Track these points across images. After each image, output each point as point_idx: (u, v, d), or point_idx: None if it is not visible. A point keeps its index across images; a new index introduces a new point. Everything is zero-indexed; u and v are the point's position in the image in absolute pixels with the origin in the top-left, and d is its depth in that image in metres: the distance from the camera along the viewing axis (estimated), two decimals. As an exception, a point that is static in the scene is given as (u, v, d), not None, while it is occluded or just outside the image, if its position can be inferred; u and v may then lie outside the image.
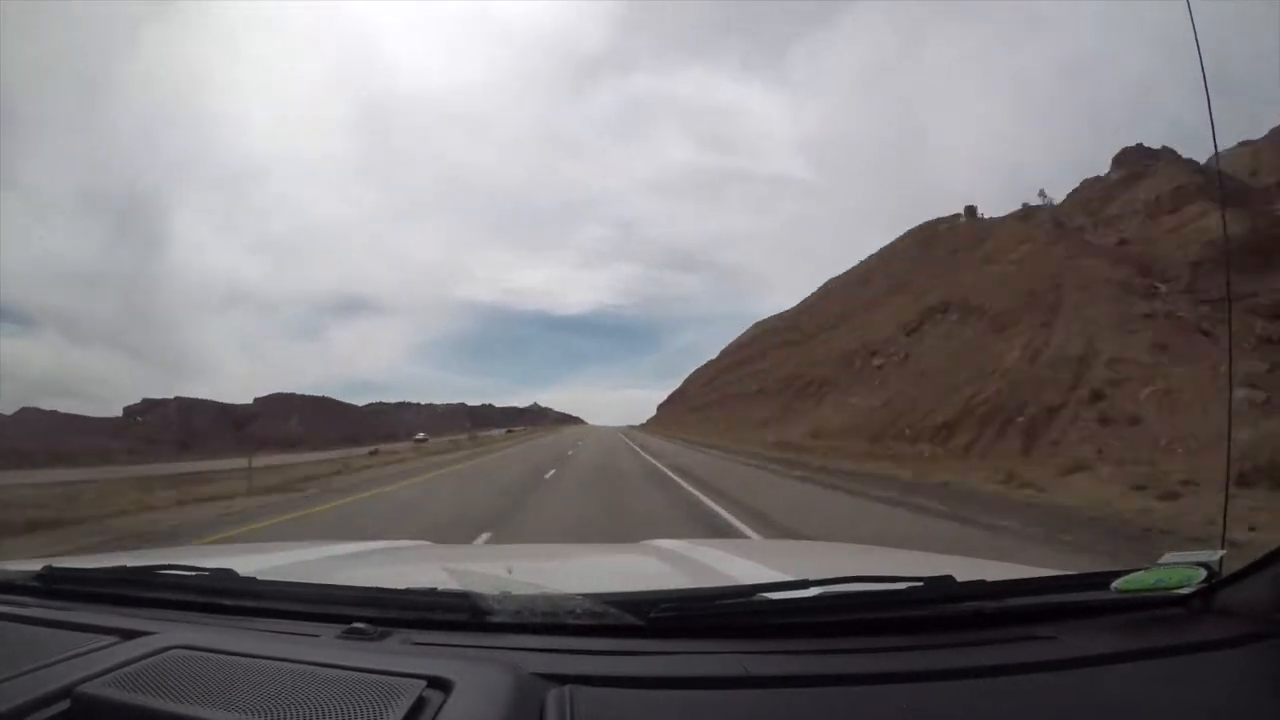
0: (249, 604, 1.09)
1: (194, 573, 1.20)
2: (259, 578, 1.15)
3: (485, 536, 6.93)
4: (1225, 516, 2.06)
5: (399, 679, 0.75)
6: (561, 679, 0.77)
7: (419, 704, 0.71)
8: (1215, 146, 1.06)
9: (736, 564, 1.58)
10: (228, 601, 1.10)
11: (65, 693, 0.76)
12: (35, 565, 1.28)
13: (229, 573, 1.18)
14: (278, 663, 0.83)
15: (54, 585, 1.23)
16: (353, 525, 8.68)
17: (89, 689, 0.77)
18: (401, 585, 1.06)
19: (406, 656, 0.87)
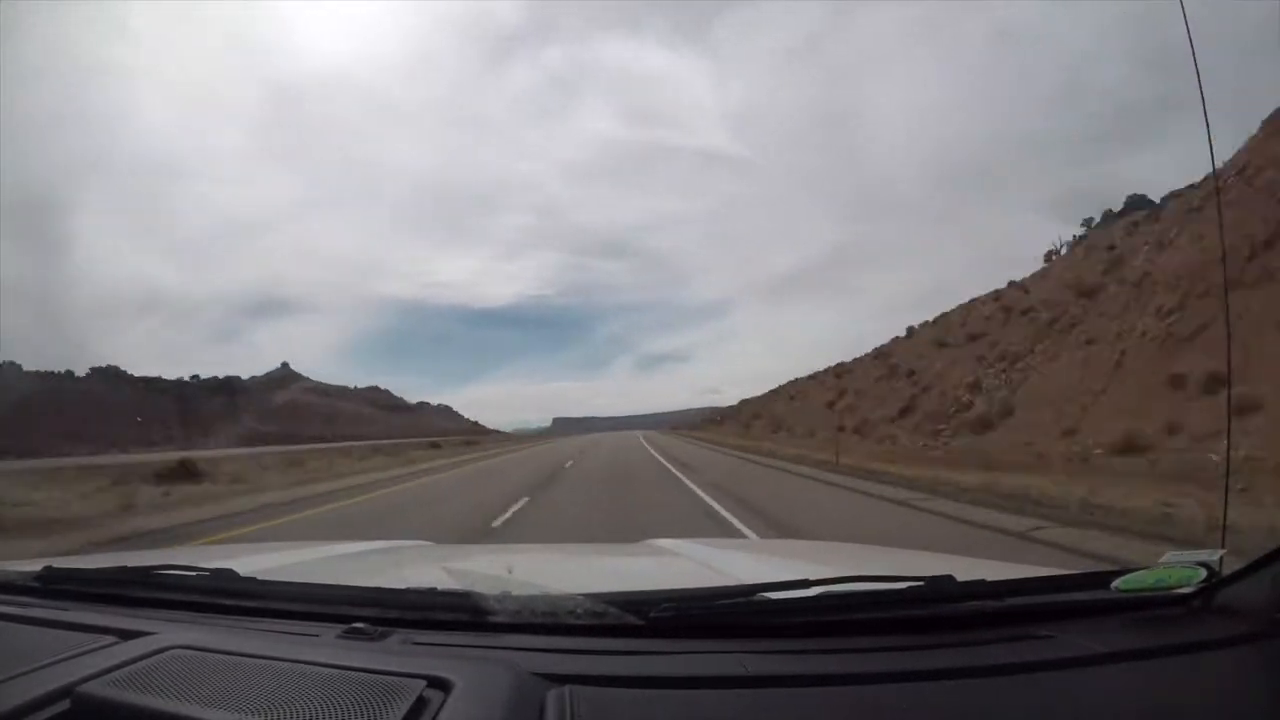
0: (249, 604, 1.09)
1: (194, 573, 1.20)
2: (259, 578, 1.15)
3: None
4: (1225, 516, 2.06)
5: (399, 679, 0.75)
6: (561, 679, 0.77)
7: (419, 704, 0.71)
8: (1210, 144, 1.05)
9: (737, 563, 1.58)
10: (227, 601, 1.10)
11: (65, 693, 0.76)
12: (35, 565, 1.28)
13: (229, 573, 1.18)
14: (278, 663, 0.83)
15: (54, 585, 1.23)
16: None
17: (89, 689, 0.77)
18: (401, 585, 1.06)
19: (406, 656, 0.87)
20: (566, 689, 0.75)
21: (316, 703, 0.71)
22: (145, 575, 1.22)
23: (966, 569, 1.07)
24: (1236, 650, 0.83)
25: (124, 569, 1.27)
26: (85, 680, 0.79)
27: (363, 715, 0.69)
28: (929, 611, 0.93)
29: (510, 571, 1.24)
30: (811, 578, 0.95)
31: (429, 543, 2.34)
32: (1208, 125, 1.06)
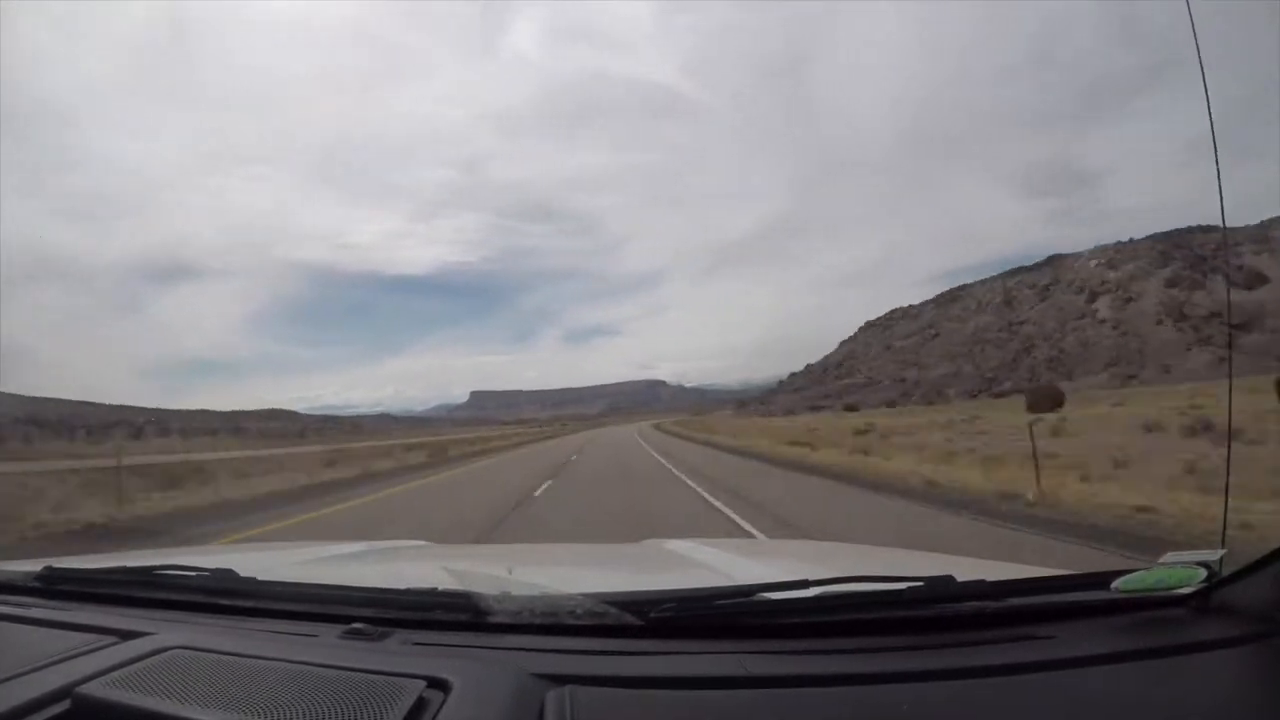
0: (249, 604, 1.09)
1: (194, 573, 1.20)
2: (259, 578, 1.15)
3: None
4: (1225, 516, 2.05)
5: (399, 679, 0.75)
6: (561, 679, 0.77)
7: (419, 704, 0.71)
8: (1216, 162, 1.05)
9: (736, 564, 1.58)
10: (227, 601, 1.10)
11: (65, 693, 0.77)
12: (35, 565, 1.28)
13: (229, 573, 1.18)
14: (277, 663, 0.83)
15: (54, 585, 1.23)
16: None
17: (89, 689, 0.77)
18: (401, 585, 1.06)
19: (406, 657, 0.87)
20: (566, 689, 0.75)
21: (316, 703, 0.71)
22: (145, 575, 1.22)
23: (966, 569, 1.07)
24: (1236, 650, 0.83)
25: (124, 569, 1.27)
26: (85, 680, 0.79)
27: (363, 716, 0.69)
28: (929, 612, 0.92)
29: (510, 571, 1.24)
30: (811, 578, 0.95)
31: (429, 543, 2.34)
32: (1211, 126, 1.05)
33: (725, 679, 0.79)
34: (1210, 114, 1.02)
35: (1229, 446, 1.69)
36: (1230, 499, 3.81)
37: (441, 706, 0.71)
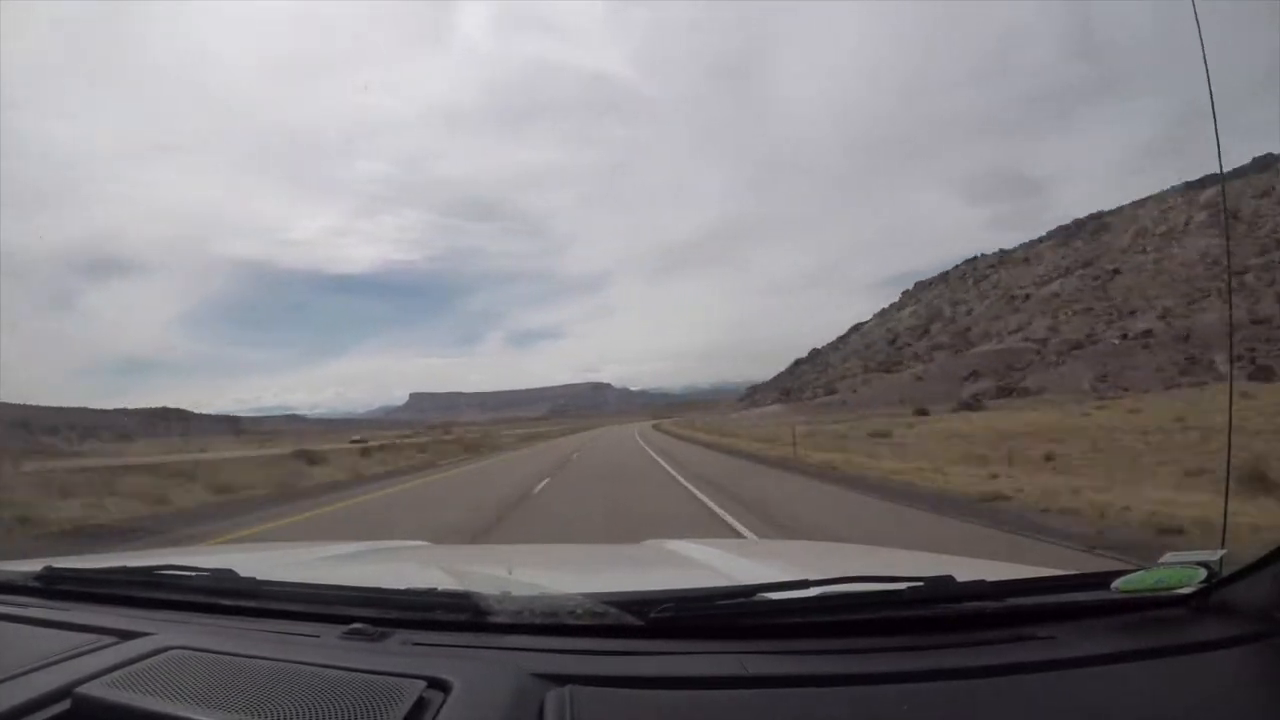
0: (249, 604, 1.09)
1: (194, 573, 1.20)
2: (259, 578, 1.15)
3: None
4: (1225, 516, 2.05)
5: (399, 679, 0.76)
6: (561, 679, 0.77)
7: (419, 704, 0.71)
8: (1219, 151, 1.05)
9: (737, 564, 1.58)
10: (227, 602, 1.10)
11: (65, 693, 0.77)
12: (35, 565, 1.28)
13: (229, 573, 1.18)
14: (277, 663, 0.83)
15: (54, 585, 1.23)
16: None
17: (89, 689, 0.77)
18: (401, 585, 1.06)
19: (406, 657, 0.87)
20: (566, 689, 0.75)
21: (316, 703, 0.71)
22: (145, 575, 1.22)
23: (966, 569, 1.07)
24: (1236, 650, 0.83)
25: (124, 569, 1.27)
26: (85, 680, 0.79)
27: (363, 716, 0.69)
28: (929, 612, 0.93)
29: (510, 572, 1.24)
30: (811, 578, 0.95)
31: (429, 543, 2.34)
32: (1216, 128, 1.05)
33: (725, 679, 0.79)
34: (1214, 118, 1.02)
35: (1228, 447, 1.69)
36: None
37: (442, 706, 0.71)
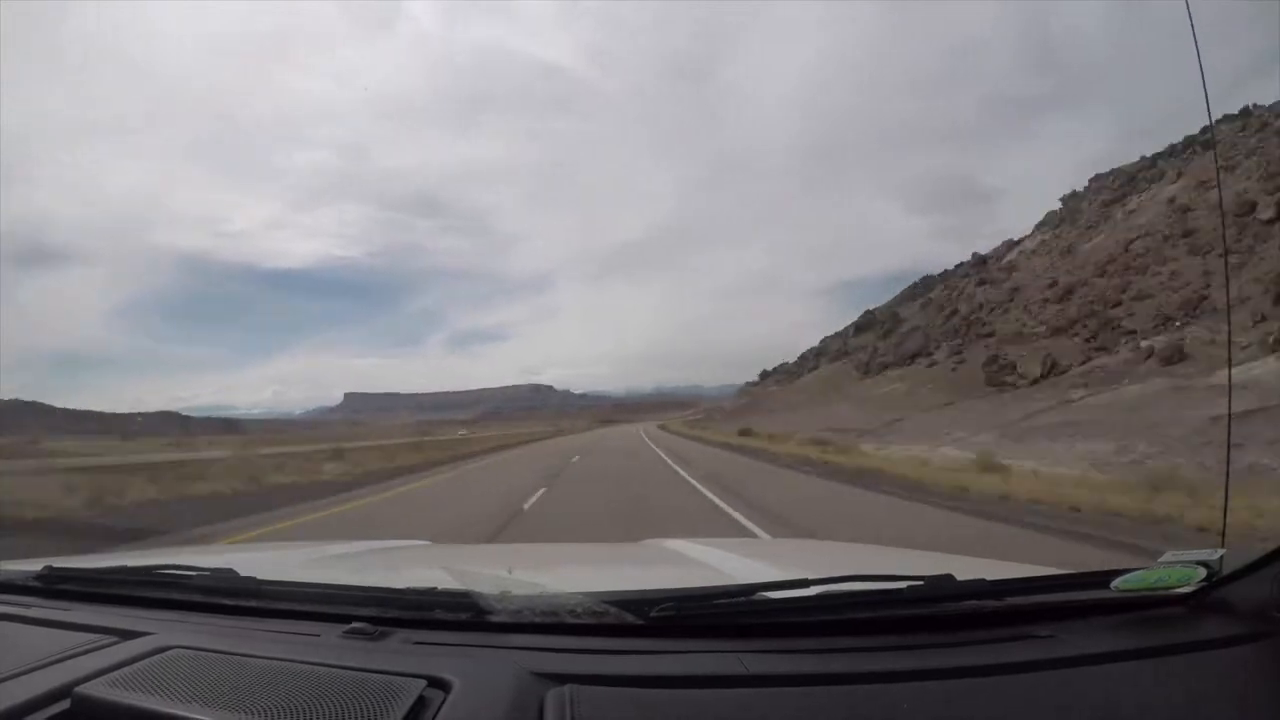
0: (249, 604, 1.09)
1: (194, 572, 1.20)
2: (259, 578, 1.15)
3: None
4: (1225, 515, 2.06)
5: (399, 679, 0.76)
6: (561, 678, 0.78)
7: (419, 704, 0.71)
8: (1211, 126, 1.05)
9: (736, 563, 1.58)
10: (227, 601, 1.10)
11: (65, 692, 0.77)
12: (35, 565, 1.28)
13: (229, 573, 1.18)
14: (278, 663, 0.83)
15: (54, 585, 1.23)
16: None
17: (89, 689, 0.77)
18: (402, 585, 1.06)
19: (407, 656, 0.88)
20: (566, 688, 0.75)
21: (317, 703, 0.71)
22: (145, 575, 1.22)
23: (966, 568, 1.07)
24: (1236, 650, 0.83)
25: (124, 569, 1.27)
26: (85, 680, 0.79)
27: (363, 715, 0.69)
28: (928, 611, 0.93)
29: (510, 571, 1.24)
30: (811, 577, 0.95)
31: (429, 542, 2.35)
32: (1213, 135, 1.05)
33: (725, 678, 0.80)
34: (1211, 122, 1.02)
35: (1228, 448, 1.68)
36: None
37: (442, 705, 0.71)
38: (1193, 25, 1.03)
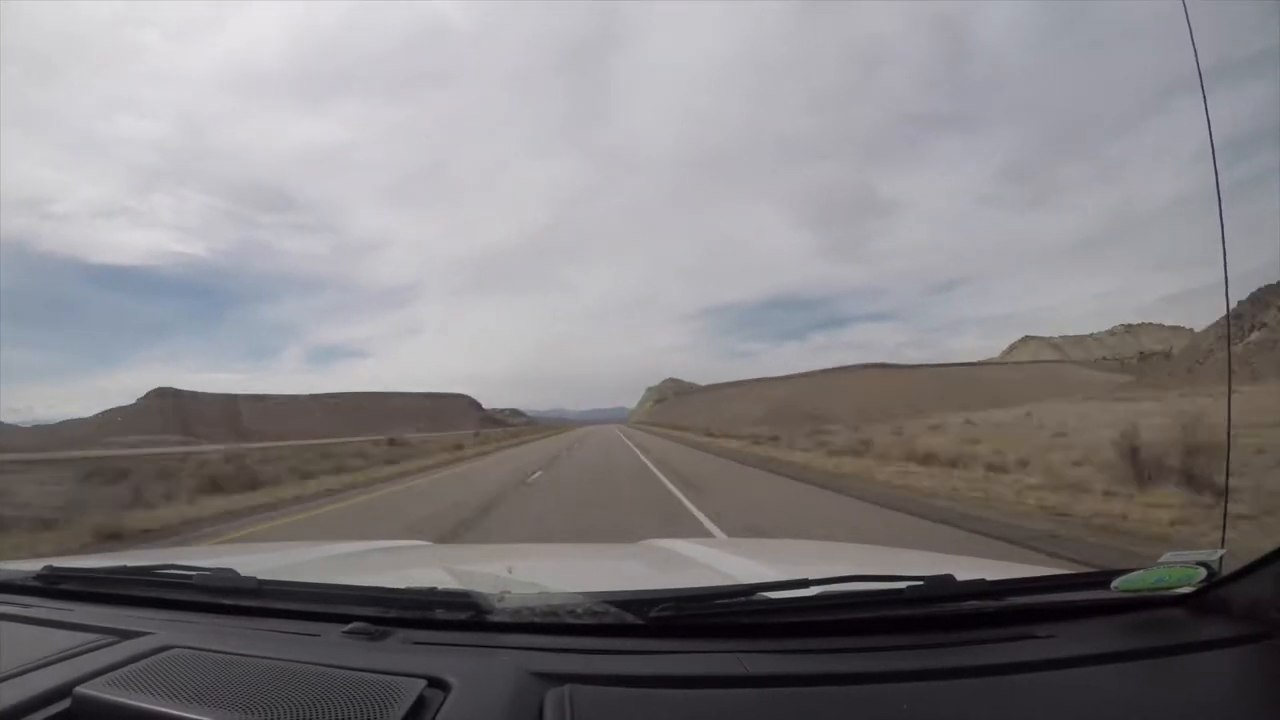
0: (249, 604, 1.09)
1: (194, 572, 1.20)
2: (259, 577, 1.15)
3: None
4: (1225, 516, 2.06)
5: (399, 679, 0.76)
6: (561, 678, 0.78)
7: (419, 703, 0.71)
8: (1212, 145, 1.05)
9: (736, 563, 1.58)
10: (228, 601, 1.10)
11: (65, 692, 0.77)
12: (35, 565, 1.28)
13: (229, 572, 1.18)
14: (278, 662, 0.83)
15: (54, 585, 1.23)
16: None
17: (89, 689, 0.77)
18: (401, 585, 1.06)
19: (406, 656, 0.88)
20: (566, 688, 0.75)
21: (316, 703, 0.71)
22: (145, 575, 1.22)
23: (966, 569, 1.07)
24: (1236, 650, 0.83)
25: (124, 569, 1.27)
26: (85, 679, 0.79)
27: (363, 715, 0.69)
28: (928, 611, 0.93)
29: (510, 571, 1.24)
30: (811, 577, 0.95)
31: (429, 543, 2.34)
32: (1208, 124, 1.05)
33: (725, 678, 0.80)
34: (1211, 135, 1.02)
35: (1228, 449, 1.69)
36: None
37: (441, 705, 0.71)
38: (1191, 26, 1.03)
